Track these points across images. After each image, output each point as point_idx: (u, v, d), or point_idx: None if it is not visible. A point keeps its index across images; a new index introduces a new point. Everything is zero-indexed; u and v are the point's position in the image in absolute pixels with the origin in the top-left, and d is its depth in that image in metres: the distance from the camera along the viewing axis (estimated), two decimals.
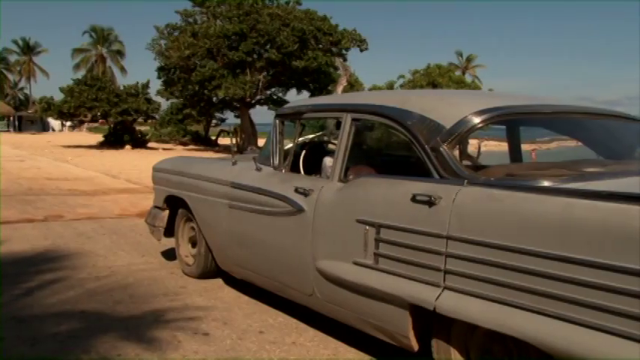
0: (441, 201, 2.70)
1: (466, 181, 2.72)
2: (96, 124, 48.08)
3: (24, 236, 6.58)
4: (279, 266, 3.82)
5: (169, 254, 5.72)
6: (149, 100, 33.83)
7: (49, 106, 33.84)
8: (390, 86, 22.01)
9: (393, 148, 4.14)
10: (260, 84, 29.56)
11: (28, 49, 74.14)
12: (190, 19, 30.90)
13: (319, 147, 4.54)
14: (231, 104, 32.86)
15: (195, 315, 4.02)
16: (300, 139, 4.27)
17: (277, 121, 4.17)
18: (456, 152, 3.01)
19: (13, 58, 72.43)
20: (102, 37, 70.20)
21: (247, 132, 32.22)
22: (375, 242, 2.99)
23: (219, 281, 4.88)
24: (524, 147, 3.97)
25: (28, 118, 69.86)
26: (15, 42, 73.92)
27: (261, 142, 34.65)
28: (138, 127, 36.29)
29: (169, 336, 3.61)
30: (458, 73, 31.12)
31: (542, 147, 4.09)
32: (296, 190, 3.61)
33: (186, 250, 5.17)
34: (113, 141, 32.99)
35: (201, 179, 4.69)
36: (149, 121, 37.34)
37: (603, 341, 2.07)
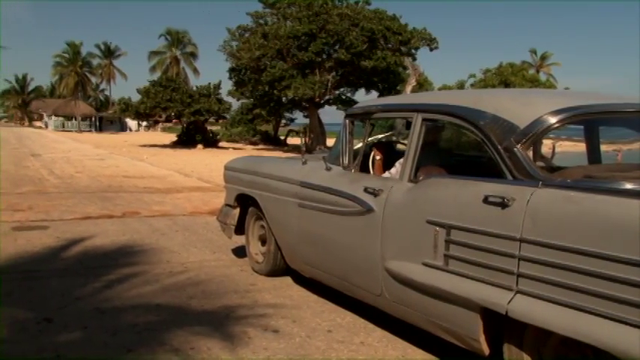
0: (515, 203, 2.64)
1: (541, 182, 2.66)
2: (170, 124, 49.77)
3: (104, 231, 6.90)
4: (347, 266, 3.82)
5: (240, 252, 5.85)
6: (220, 101, 34.68)
7: (127, 107, 35.31)
8: (461, 85, 21.57)
9: (465, 149, 4.10)
10: (329, 84, 29.68)
11: (109, 52, 77.57)
12: (261, 21, 31.41)
13: (389, 147, 4.52)
14: (300, 104, 33.18)
15: (264, 312, 4.09)
16: (370, 138, 4.25)
17: (347, 121, 4.20)
18: (531, 153, 2.93)
19: (95, 61, 75.98)
20: (176, 39, 72.47)
21: (316, 132, 32.45)
22: (445, 243, 2.96)
23: (289, 279, 4.95)
24: (607, 148, 3.84)
25: (107, 118, 73.17)
26: (97, 46, 77.62)
27: (329, 141, 34.74)
28: (209, 127, 37.27)
29: (240, 332, 3.69)
30: (532, 71, 30.13)
31: (624, 148, 3.96)
32: (365, 190, 3.61)
33: (256, 248, 5.26)
34: (186, 140, 34.03)
35: (272, 178, 4.76)
36: (220, 121, 38.29)
37: None
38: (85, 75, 73.83)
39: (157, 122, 48.30)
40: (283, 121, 42.68)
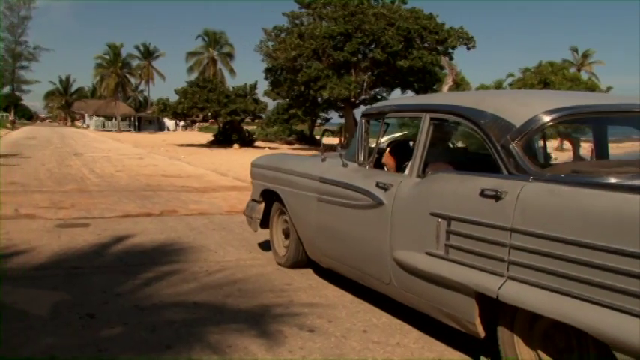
0: (507, 195, 2.87)
1: (531, 177, 2.89)
2: (206, 124, 50.39)
3: (143, 229, 7.03)
4: (360, 256, 4.08)
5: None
6: (256, 101, 34.93)
7: (165, 107, 35.86)
8: (499, 85, 21.25)
9: (469, 146, 4.23)
10: (365, 84, 29.61)
11: (148, 53, 78.92)
12: (297, 21, 31.52)
13: (403, 145, 4.63)
14: (335, 104, 33.19)
15: (300, 311, 4.12)
16: (385, 138, 4.48)
17: (363, 121, 4.45)
18: (525, 150, 3.09)
19: (134, 62, 77.41)
20: (213, 40, 73.28)
21: (351, 132, 32.37)
22: (446, 234, 3.20)
23: (324, 279, 4.96)
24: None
25: (146, 118, 74.46)
26: (137, 48, 79.02)
27: None
28: (245, 127, 37.58)
29: (275, 330, 3.72)
30: (572, 70, 29.47)
31: (614, 145, 4.07)
32: (377, 185, 3.86)
33: (279, 241, 5.53)
34: (222, 140, 34.38)
35: (294, 174, 5.03)
36: (256, 120, 38.55)
37: None
38: (124, 76, 75.32)
39: (194, 122, 48.98)
40: (319, 121, 42.75)
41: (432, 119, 3.70)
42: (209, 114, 35.22)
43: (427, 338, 3.68)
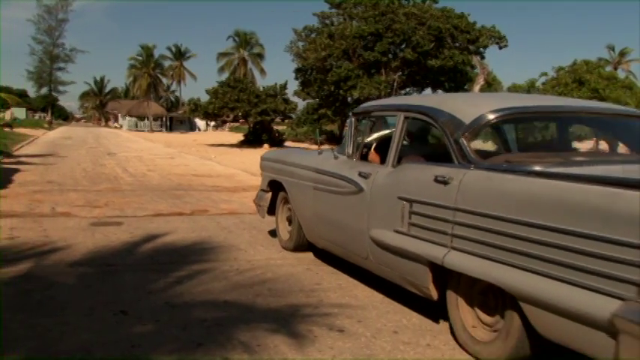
0: (453, 181, 3.48)
1: (473, 166, 3.50)
2: (237, 124, 50.74)
3: (175, 228, 7.12)
4: (345, 236, 4.71)
5: (305, 250, 5.91)
6: (286, 101, 35.05)
7: (196, 107, 36.25)
8: (531, 84, 20.90)
9: (434, 140, 4.70)
10: (395, 84, 29.48)
11: (180, 54, 79.95)
12: (327, 21, 31.56)
13: (387, 141, 4.89)
14: None
15: (330, 311, 4.12)
16: (376, 135, 5.05)
17: (352, 119, 5.07)
18: (472, 143, 3.67)
19: (166, 63, 78.51)
20: (244, 40, 73.84)
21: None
22: (408, 214, 3.81)
23: (354, 279, 4.96)
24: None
25: (177, 118, 75.45)
26: (169, 48, 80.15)
27: None
28: (275, 127, 37.74)
29: (305, 330, 3.72)
30: (608, 68, 28.81)
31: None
32: (359, 174, 4.49)
33: (283, 227, 6.16)
34: (252, 140, 34.59)
35: (295, 166, 5.70)
36: (286, 120, 38.69)
37: (563, 290, 2.71)
38: (157, 76, 76.49)
39: (224, 122, 49.39)
40: (348, 121, 42.68)
41: (405, 117, 4.31)
42: (239, 114, 35.47)
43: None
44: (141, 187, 11.48)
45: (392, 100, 5.47)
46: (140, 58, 74.67)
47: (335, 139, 38.97)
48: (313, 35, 31.34)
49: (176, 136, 50.35)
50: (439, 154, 3.91)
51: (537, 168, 3.19)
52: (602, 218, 2.57)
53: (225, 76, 57.35)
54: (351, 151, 4.91)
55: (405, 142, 4.37)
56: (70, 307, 4.06)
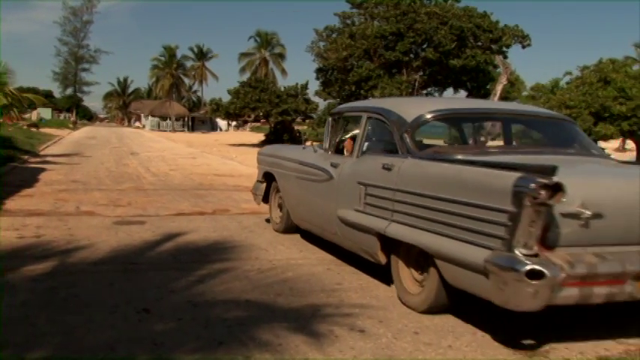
0: (394, 168, 4.41)
1: (410, 155, 4.42)
2: (258, 124, 50.92)
3: (196, 228, 7.18)
4: (320, 217, 5.64)
5: (326, 251, 5.93)
6: (307, 101, 35.08)
7: (218, 107, 36.45)
8: (555, 84, 20.63)
9: (388, 135, 5.24)
10: (416, 84, 29.32)
11: (202, 55, 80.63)
12: (348, 21, 31.48)
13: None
14: None
15: (351, 312, 4.11)
16: (352, 133, 5.79)
17: (330, 119, 6.02)
18: (411, 137, 4.57)
19: (188, 63, 79.22)
20: (265, 41, 74.17)
21: None
22: (364, 196, 4.69)
23: (375, 280, 4.95)
24: None
25: (199, 118, 75.99)
26: (191, 49, 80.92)
27: None
28: (296, 127, 37.78)
29: (326, 330, 3.72)
30: (636, 67, 28.20)
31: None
32: (331, 164, 5.41)
33: (276, 213, 7.06)
34: (273, 140, 34.61)
35: (283, 159, 6.71)
36: (307, 120, 38.69)
37: (459, 247, 3.56)
38: (179, 77, 77.24)
39: (245, 122, 49.63)
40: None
41: (367, 117, 5.23)
42: (261, 114, 35.59)
43: (480, 341, 3.62)
44: (163, 187, 11.60)
45: (358, 103, 6.55)
46: (163, 58, 75.50)
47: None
48: (334, 35, 31.29)
49: (198, 136, 50.72)
50: (391, 147, 4.77)
51: (458, 157, 4.19)
52: (486, 192, 3.44)
53: (246, 76, 57.64)
54: (327, 146, 5.87)
55: (369, 137, 5.24)
56: (94, 305, 4.11)
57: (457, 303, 4.00)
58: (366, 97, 31.44)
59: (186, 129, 73.03)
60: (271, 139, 35.05)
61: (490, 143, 5.50)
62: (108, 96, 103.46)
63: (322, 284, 4.82)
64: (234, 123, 62.51)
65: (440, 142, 5.67)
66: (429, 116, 4.71)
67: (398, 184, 4.26)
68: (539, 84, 21.40)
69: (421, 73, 29.57)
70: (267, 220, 6.68)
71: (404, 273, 4.36)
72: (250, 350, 3.36)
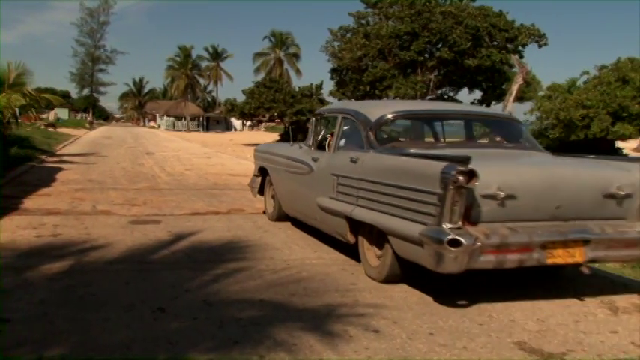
0: (359, 160, 5.21)
1: (371, 150, 5.22)
2: (272, 124, 51.05)
3: (211, 227, 7.21)
4: (303, 205, 6.42)
5: (341, 251, 5.94)
6: (322, 101, 35.04)
7: (233, 107, 36.58)
8: (572, 84, 20.38)
9: (358, 133, 5.83)
10: (431, 83, 29.22)
11: (217, 55, 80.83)
12: (363, 21, 31.44)
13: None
14: None
15: (365, 312, 4.11)
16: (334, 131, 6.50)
17: (313, 119, 6.80)
18: (375, 134, 5.36)
19: (203, 64, 79.48)
20: (280, 41, 74.20)
21: None
22: (337, 185, 5.48)
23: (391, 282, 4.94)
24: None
25: (214, 118, 76.32)
26: (206, 49, 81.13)
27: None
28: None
29: (341, 330, 3.72)
30: None
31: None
32: (312, 159, 6.20)
33: (269, 203, 7.87)
34: (288, 140, 34.67)
35: (275, 155, 7.56)
36: None
37: (404, 224, 4.33)
38: (194, 77, 77.49)
39: (260, 122, 49.79)
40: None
41: (342, 117, 6.02)
42: (275, 114, 35.65)
43: (495, 343, 3.60)
44: (178, 187, 11.67)
45: (335, 105, 7.51)
46: (178, 59, 75.79)
47: None
48: (349, 35, 31.27)
49: (212, 136, 50.92)
50: (360, 143, 5.49)
51: (411, 151, 5.03)
52: (422, 178, 4.21)
53: (261, 76, 57.77)
54: (310, 143, 6.64)
55: (343, 135, 5.97)
56: (111, 303, 4.15)
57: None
58: (380, 97, 31.42)
59: (200, 129, 73.35)
60: (286, 139, 35.09)
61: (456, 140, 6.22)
62: (124, 96, 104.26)
63: (336, 284, 4.82)
64: (248, 123, 62.69)
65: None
66: (389, 116, 5.58)
67: (361, 174, 5.07)
68: (556, 83, 21.17)
69: (436, 73, 29.46)
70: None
71: (368, 250, 5.11)
72: (265, 350, 3.37)
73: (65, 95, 74.23)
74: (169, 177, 13.66)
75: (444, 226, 3.94)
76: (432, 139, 6.15)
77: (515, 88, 23.85)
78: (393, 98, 29.88)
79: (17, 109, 16.59)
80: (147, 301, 4.21)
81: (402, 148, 5.23)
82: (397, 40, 28.48)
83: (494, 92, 31.09)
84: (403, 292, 4.63)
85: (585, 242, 4.31)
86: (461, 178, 3.83)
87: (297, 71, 75.28)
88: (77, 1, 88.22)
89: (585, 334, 3.82)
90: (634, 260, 5.35)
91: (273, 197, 7.66)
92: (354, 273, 5.17)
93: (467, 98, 32.14)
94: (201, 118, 77.43)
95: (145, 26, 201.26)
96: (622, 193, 4.48)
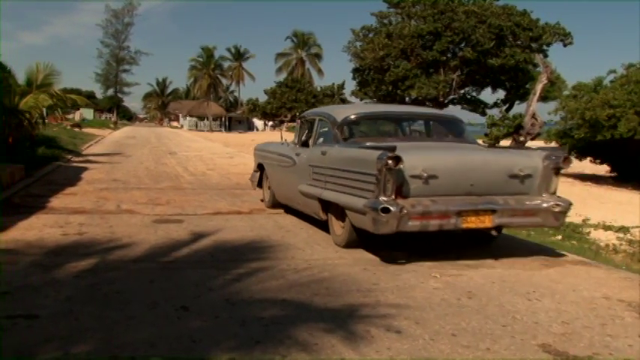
0: (327, 152, 6.45)
1: (337, 144, 6.51)
2: (294, 124, 51.10)
3: (233, 227, 7.26)
4: (290, 192, 7.69)
5: (363, 250, 5.94)
6: (344, 101, 35.15)
7: (255, 107, 36.85)
8: (598, 83, 20.04)
9: (329, 131, 7.09)
10: (454, 83, 29.02)
11: (239, 55, 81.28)
12: (385, 21, 31.34)
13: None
14: (423, 104, 32.68)
15: (387, 312, 4.10)
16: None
17: (299, 120, 8.23)
18: (341, 132, 6.69)
19: (226, 64, 79.98)
20: (302, 41, 74.31)
21: None
22: (312, 173, 6.72)
23: (412, 280, 4.93)
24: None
25: (236, 118, 76.76)
26: (228, 50, 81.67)
27: None
28: None
29: (363, 331, 3.72)
30: None
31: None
32: (296, 154, 7.50)
33: (266, 193, 9.08)
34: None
35: (269, 153, 8.93)
36: None
37: (354, 200, 5.53)
38: (216, 77, 77.95)
39: (282, 122, 49.87)
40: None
41: (319, 119, 7.35)
42: (297, 114, 35.71)
43: (519, 345, 3.56)
44: (201, 186, 11.75)
45: (315, 109, 8.63)
46: (201, 59, 76.37)
47: None
48: (371, 35, 31.20)
49: (234, 136, 51.16)
50: (330, 139, 6.85)
51: (367, 144, 6.22)
52: (365, 163, 5.42)
53: (283, 76, 57.90)
54: (296, 141, 7.94)
55: (320, 133, 7.24)
56: (135, 301, 4.20)
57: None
58: (402, 97, 31.34)
59: (223, 129, 73.79)
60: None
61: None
62: (147, 96, 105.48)
63: (358, 284, 4.81)
64: (270, 123, 62.87)
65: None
66: (352, 117, 6.95)
67: (327, 163, 6.40)
68: (582, 83, 20.83)
69: (459, 73, 29.24)
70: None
71: (335, 224, 6.34)
72: (287, 349, 3.38)
73: (90, 96, 75.18)
74: (192, 176, 13.77)
75: (380, 198, 5.18)
76: (387, 135, 7.22)
77: (539, 87, 23.54)
78: (416, 98, 29.82)
79: (44, 110, 16.88)
80: (170, 300, 4.25)
81: (359, 142, 6.48)
82: (420, 40, 28.34)
83: (517, 92, 30.76)
84: (425, 292, 4.60)
85: (493, 211, 5.53)
86: (390, 162, 5.11)
87: (319, 71, 75.35)
88: (103, 1, 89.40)
89: (612, 337, 3.76)
90: (534, 226, 6.73)
91: (269, 188, 8.88)
92: (376, 273, 5.16)
93: (490, 98, 31.87)
94: (223, 118, 77.92)
95: (169, 27, 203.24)
96: (523, 173, 5.75)
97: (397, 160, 5.09)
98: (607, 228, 8.65)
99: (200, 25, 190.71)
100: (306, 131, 7.60)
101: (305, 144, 7.43)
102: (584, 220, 9.14)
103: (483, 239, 6.42)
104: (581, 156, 20.38)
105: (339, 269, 5.29)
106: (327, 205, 6.35)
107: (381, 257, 5.71)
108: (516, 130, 23.85)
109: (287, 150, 7.92)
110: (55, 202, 8.88)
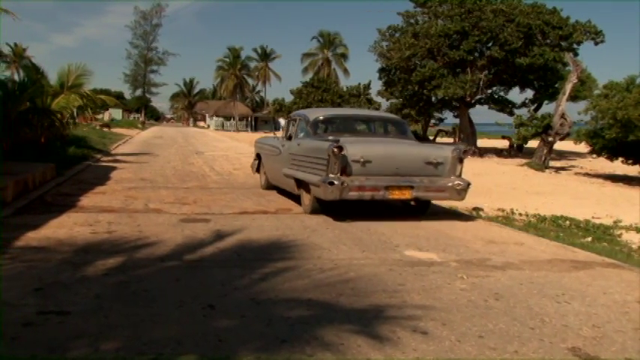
0: (300, 144, 9.00)
1: (308, 138, 8.94)
2: None
3: (259, 226, 7.29)
4: (277, 175, 9.81)
5: (387, 251, 5.88)
6: (370, 101, 35.01)
7: (281, 107, 36.96)
8: (631, 82, 19.67)
9: (305, 128, 9.35)
10: (481, 83, 28.71)
11: (265, 55, 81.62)
12: (412, 20, 31.17)
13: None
14: (450, 104, 32.47)
15: (413, 313, 4.07)
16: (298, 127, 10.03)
17: (287, 119, 10.51)
18: (312, 129, 9.03)
19: (252, 64, 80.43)
20: (328, 41, 74.26)
21: (466, 132, 31.54)
22: (290, 160, 9.08)
23: (438, 281, 4.89)
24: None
25: (262, 118, 77.03)
26: (255, 50, 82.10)
27: (479, 142, 33.57)
28: None
29: (389, 331, 3.70)
30: None
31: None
32: (281, 145, 9.84)
33: (262, 178, 11.26)
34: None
35: (264, 144, 11.20)
36: None
37: (313, 177, 7.96)
38: (243, 77, 78.44)
39: None
40: (432, 121, 42.05)
41: (299, 119, 9.59)
42: None
43: (547, 348, 3.50)
44: (227, 186, 11.84)
45: (297, 111, 10.73)
46: (227, 59, 76.93)
47: (418, 139, 38.49)
48: (397, 35, 31.06)
49: (260, 136, 51.27)
50: (305, 134, 9.08)
51: (329, 138, 8.18)
52: (320, 151, 7.77)
53: (309, 76, 57.93)
54: (284, 135, 10.16)
55: (300, 129, 9.46)
56: (162, 300, 4.24)
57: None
58: (429, 97, 31.17)
59: (249, 129, 74.18)
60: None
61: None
62: (174, 96, 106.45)
63: (384, 285, 4.79)
64: None
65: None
66: (320, 117, 9.39)
67: (300, 151, 8.73)
68: (613, 81, 20.47)
69: (486, 72, 28.93)
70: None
71: (304, 196, 8.49)
72: (312, 349, 3.38)
73: (119, 96, 76.22)
74: (218, 176, 13.88)
75: (329, 176, 7.48)
76: (344, 131, 9.16)
77: (569, 87, 23.18)
78: (442, 98, 29.61)
79: (75, 110, 17.18)
80: (197, 298, 4.28)
81: (323, 136, 8.68)
82: (446, 39, 28.11)
83: (546, 91, 30.33)
84: (452, 294, 4.56)
85: (411, 187, 7.80)
86: (335, 150, 7.43)
87: (345, 71, 75.21)
88: (132, 2, 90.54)
89: None
90: (443, 199, 8.58)
91: (264, 173, 11.17)
92: (402, 274, 5.13)
93: (518, 98, 31.46)
94: (249, 118, 78.33)
95: (196, 28, 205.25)
96: (436, 161, 8.08)
97: (340, 148, 7.43)
98: (639, 230, 8.47)
99: (227, 26, 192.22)
100: (291, 127, 9.85)
101: (289, 138, 9.67)
102: (615, 222, 8.98)
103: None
104: (612, 156, 20.01)
105: (365, 269, 5.27)
106: (300, 183, 8.57)
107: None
108: (545, 130, 23.52)
109: (276, 142, 10.32)
110: (85, 200, 9.03)
